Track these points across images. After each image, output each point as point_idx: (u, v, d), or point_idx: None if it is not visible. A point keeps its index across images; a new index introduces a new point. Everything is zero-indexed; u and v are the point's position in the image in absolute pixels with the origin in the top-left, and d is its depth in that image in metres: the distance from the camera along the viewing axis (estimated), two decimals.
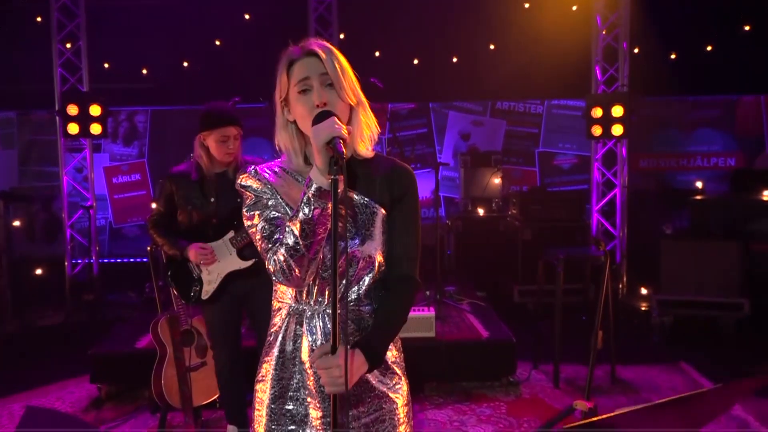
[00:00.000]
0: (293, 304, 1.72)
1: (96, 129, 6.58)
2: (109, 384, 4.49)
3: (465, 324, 4.89)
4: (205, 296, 3.43)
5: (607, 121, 6.53)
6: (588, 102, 6.66)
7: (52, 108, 7.06)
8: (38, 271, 7.35)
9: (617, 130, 6.50)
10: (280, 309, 1.76)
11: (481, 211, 7.47)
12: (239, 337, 3.61)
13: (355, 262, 1.66)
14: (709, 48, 8.83)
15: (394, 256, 1.73)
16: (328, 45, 1.68)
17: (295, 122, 1.70)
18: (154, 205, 3.64)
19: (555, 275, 4.55)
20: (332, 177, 1.45)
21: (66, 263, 7.14)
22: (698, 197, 6.55)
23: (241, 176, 1.73)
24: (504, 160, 8.03)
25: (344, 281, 1.59)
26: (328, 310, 1.67)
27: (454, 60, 8.78)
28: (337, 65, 1.64)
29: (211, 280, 3.44)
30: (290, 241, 1.55)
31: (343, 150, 1.46)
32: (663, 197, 8.71)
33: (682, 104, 9.23)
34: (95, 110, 6.54)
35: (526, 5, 8.19)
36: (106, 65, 8.47)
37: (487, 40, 8.56)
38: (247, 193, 1.71)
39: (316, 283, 1.67)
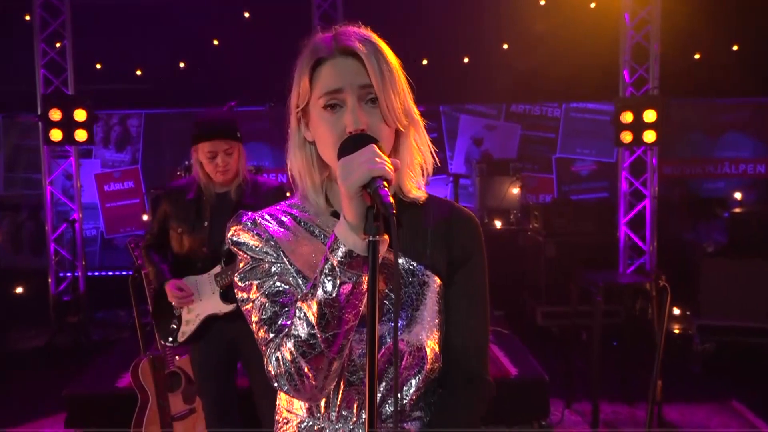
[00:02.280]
0: (306, 419, 1.19)
1: (81, 135, 6.04)
2: (87, 428, 3.95)
3: (490, 357, 4.35)
4: (181, 338, 2.91)
5: (638, 126, 5.98)
6: (617, 106, 6.11)
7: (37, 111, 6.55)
8: (19, 290, 6.81)
9: (649, 136, 5.95)
10: (288, 422, 1.22)
11: (498, 224, 6.94)
12: (231, 383, 3.07)
13: (399, 357, 1.13)
14: (735, 47, 8.35)
15: (456, 347, 1.20)
16: (373, 39, 1.15)
17: (315, 143, 1.18)
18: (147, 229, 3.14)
19: (593, 303, 4.02)
20: (370, 237, 0.93)
21: (50, 280, 6.60)
22: (737, 210, 6.00)
23: (232, 228, 1.20)
24: (520, 167, 7.51)
25: (383, 387, 1.09)
26: (358, 431, 1.14)
27: (466, 60, 8.38)
28: (385, 71, 1.11)
29: (189, 320, 2.92)
30: (302, 331, 1.02)
31: (390, 198, 0.92)
32: (689, 206, 8.18)
33: (708, 107, 8.70)
34: (80, 115, 6.00)
35: (542, 2, 7.80)
36: (99, 66, 8.02)
37: (500, 40, 8.18)
38: (242, 253, 1.18)
39: (340, 390, 1.14)
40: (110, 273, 8.33)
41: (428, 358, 1.16)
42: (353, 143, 1.02)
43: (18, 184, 8.59)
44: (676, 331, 6.05)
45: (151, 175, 8.67)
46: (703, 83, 7.88)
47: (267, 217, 1.22)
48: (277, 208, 1.25)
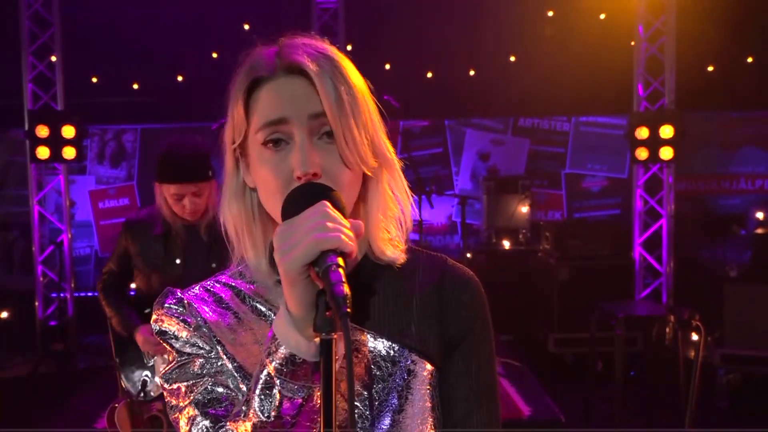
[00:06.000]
0: None
1: (69, 153, 5.77)
2: None
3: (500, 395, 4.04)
4: (155, 392, 2.60)
5: (654, 142, 5.69)
6: (631, 121, 5.83)
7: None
8: (4, 315, 6.51)
9: (667, 153, 5.66)
10: None
11: (506, 244, 6.63)
12: None
13: None
14: (749, 59, 8.11)
15: None
16: (331, 52, 0.88)
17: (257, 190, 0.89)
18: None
19: (614, 336, 3.71)
20: (323, 335, 0.68)
21: (36, 303, 6.31)
22: (759, 231, 5.70)
23: (156, 313, 0.92)
24: (529, 184, 7.22)
25: None
26: None
27: (472, 73, 8.16)
28: (344, 95, 0.83)
29: None
30: None
31: (343, 287, 0.66)
32: (704, 224, 7.87)
33: (723, 120, 8.40)
34: (68, 131, 5.74)
35: (550, 13, 7.59)
36: (95, 79, 7.81)
37: (507, 51, 7.94)
38: (167, 346, 0.91)
39: None
40: None
41: None
42: (297, 200, 0.75)
43: (9, 201, 8.35)
44: (693, 357, 5.72)
45: (147, 191, 8.40)
46: (717, 96, 7.64)
47: (203, 294, 0.94)
48: (218, 279, 0.97)
